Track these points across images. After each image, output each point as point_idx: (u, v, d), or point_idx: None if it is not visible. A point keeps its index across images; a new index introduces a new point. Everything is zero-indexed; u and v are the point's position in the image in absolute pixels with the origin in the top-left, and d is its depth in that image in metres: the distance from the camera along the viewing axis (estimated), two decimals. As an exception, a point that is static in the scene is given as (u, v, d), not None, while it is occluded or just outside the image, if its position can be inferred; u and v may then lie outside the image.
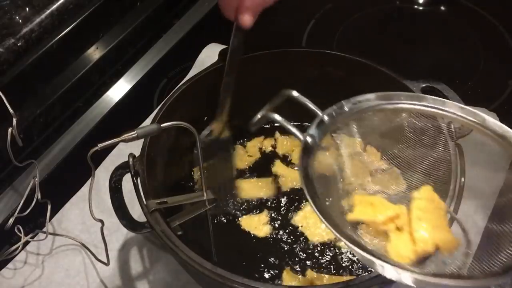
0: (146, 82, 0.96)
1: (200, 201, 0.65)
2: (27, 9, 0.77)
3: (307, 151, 0.55)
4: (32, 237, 0.72)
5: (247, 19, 0.65)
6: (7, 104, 0.64)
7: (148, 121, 0.84)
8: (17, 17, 0.76)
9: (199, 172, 0.75)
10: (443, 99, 0.58)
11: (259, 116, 0.58)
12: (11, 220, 0.69)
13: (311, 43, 0.99)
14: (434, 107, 0.58)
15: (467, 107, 0.57)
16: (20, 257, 0.73)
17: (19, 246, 0.70)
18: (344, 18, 1.03)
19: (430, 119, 0.60)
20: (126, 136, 0.54)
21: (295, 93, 0.58)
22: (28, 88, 0.83)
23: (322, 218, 0.50)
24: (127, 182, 0.61)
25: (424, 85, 0.68)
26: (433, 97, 0.58)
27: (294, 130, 0.56)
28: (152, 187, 0.61)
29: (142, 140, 0.62)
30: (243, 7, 0.65)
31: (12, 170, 0.80)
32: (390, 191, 0.64)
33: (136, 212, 0.62)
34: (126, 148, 0.72)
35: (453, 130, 0.63)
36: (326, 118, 0.57)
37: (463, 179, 0.61)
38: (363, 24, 1.03)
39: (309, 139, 0.55)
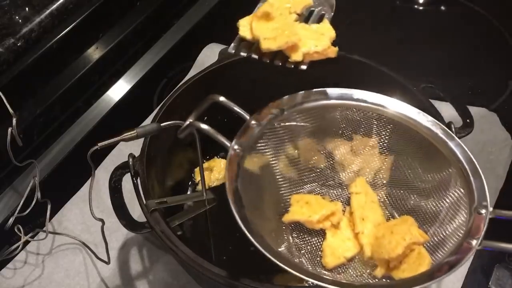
0: (146, 82, 0.96)
1: (200, 201, 0.65)
2: (26, 9, 0.77)
3: (235, 159, 0.54)
4: (32, 237, 0.72)
5: None
6: (7, 104, 0.64)
7: (148, 121, 0.84)
8: (17, 17, 0.76)
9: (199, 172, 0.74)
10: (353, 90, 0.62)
11: (185, 124, 0.56)
12: (11, 220, 0.69)
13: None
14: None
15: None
16: (20, 257, 0.72)
17: (19, 245, 0.70)
18: (344, 17, 1.03)
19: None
20: (126, 135, 0.54)
21: (221, 98, 0.58)
22: (28, 88, 0.83)
23: (251, 237, 0.50)
24: (127, 182, 0.61)
25: (424, 85, 0.68)
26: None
27: (221, 139, 0.55)
28: (152, 187, 0.61)
29: (142, 140, 0.62)
30: None
31: (12, 170, 0.80)
32: (327, 186, 0.65)
33: (136, 212, 0.62)
34: (126, 148, 0.73)
35: (453, 130, 0.63)
36: (253, 122, 0.57)
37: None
38: (363, 23, 1.03)
39: (236, 147, 0.55)
